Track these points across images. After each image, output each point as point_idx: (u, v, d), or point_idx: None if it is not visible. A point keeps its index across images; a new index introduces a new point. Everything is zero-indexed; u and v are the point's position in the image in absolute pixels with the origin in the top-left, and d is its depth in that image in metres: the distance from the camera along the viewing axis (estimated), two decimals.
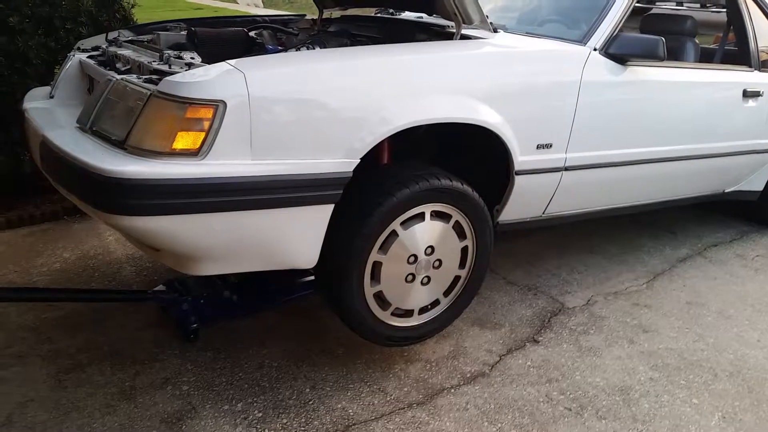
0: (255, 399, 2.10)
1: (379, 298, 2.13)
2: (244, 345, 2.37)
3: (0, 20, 3.10)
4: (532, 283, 2.93)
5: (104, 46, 2.47)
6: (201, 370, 2.23)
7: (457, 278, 2.30)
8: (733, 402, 2.17)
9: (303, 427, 1.98)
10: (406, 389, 2.17)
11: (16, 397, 2.05)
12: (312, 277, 2.39)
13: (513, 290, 2.86)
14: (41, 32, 3.20)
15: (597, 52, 2.45)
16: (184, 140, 1.69)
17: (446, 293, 2.30)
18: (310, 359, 2.30)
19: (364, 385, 2.18)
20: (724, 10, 3.90)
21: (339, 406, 2.08)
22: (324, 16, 3.14)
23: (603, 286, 2.93)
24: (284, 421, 2.00)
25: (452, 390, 2.17)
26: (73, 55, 2.49)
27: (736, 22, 3.28)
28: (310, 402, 2.09)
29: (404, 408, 2.08)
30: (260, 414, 2.03)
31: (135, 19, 3.56)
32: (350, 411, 2.05)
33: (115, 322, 2.48)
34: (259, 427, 1.97)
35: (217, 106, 1.68)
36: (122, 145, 1.73)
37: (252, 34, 2.69)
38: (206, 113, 1.68)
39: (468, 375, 2.25)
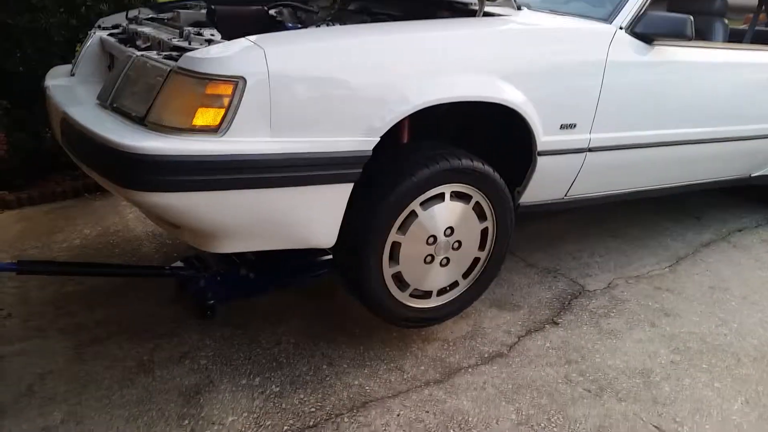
0: (272, 374, 2.10)
1: (398, 279, 2.11)
2: (263, 322, 2.37)
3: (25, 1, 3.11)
4: (552, 266, 2.89)
5: (124, 24, 2.47)
6: (219, 345, 2.24)
7: (476, 260, 2.27)
8: (756, 387, 2.13)
9: (320, 402, 1.97)
10: (423, 368, 2.16)
11: (36, 369, 2.07)
12: (329, 256, 2.38)
13: (532, 272, 2.83)
14: (63, 10, 3.21)
15: (623, 30, 2.39)
16: (203, 116, 1.68)
17: (465, 275, 2.27)
18: (328, 337, 2.30)
19: (381, 363, 2.17)
20: None
21: (356, 382, 2.07)
22: None
23: (624, 270, 2.89)
24: (301, 396, 2.00)
25: (470, 369, 2.16)
26: (94, 33, 2.50)
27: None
28: (327, 378, 2.09)
29: (421, 386, 2.07)
30: (277, 389, 2.03)
31: None
32: (367, 388, 2.05)
33: (134, 298, 2.49)
34: (276, 401, 1.97)
35: (237, 82, 1.66)
36: (142, 121, 1.73)
37: (272, 12, 2.67)
38: (226, 89, 1.67)
39: (486, 355, 2.24)
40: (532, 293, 2.65)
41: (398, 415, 1.93)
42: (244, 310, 2.42)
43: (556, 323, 2.44)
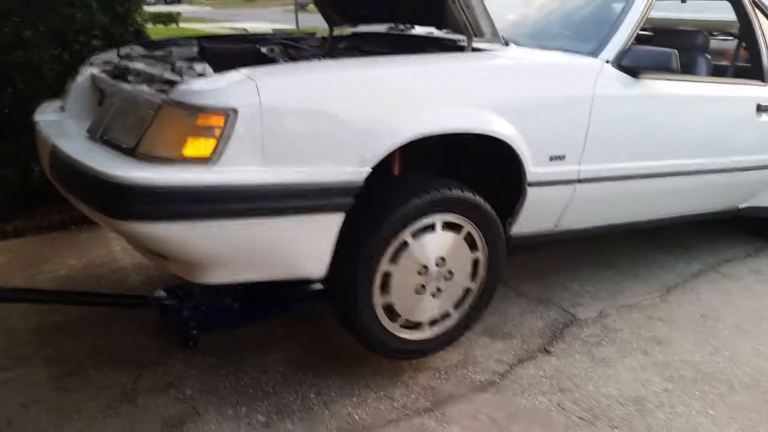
0: (259, 404, 2.05)
1: (389, 309, 2.09)
2: (249, 351, 2.33)
3: (14, 33, 3.13)
4: (543, 295, 2.88)
5: (116, 61, 2.48)
6: (205, 374, 2.19)
7: (468, 291, 2.25)
8: (750, 414, 2.10)
9: (307, 431, 1.93)
10: (413, 396, 2.12)
11: (18, 399, 2.03)
12: (318, 287, 2.35)
13: (523, 301, 2.81)
14: (55, 45, 3.23)
15: (609, 64, 2.44)
16: (194, 147, 1.68)
17: (456, 306, 2.25)
18: (316, 366, 2.26)
19: (371, 392, 2.13)
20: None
21: (344, 411, 2.03)
22: (334, 34, 3.15)
23: (615, 299, 2.88)
24: (288, 426, 1.95)
25: (462, 398, 2.12)
26: (85, 69, 2.51)
27: (748, 36, 3.27)
28: (315, 407, 2.04)
29: (411, 415, 2.02)
30: (264, 419, 1.98)
31: (148, 34, 3.60)
32: (356, 416, 2.00)
33: (119, 328, 2.45)
34: (262, 431, 1.92)
35: (229, 113, 1.67)
36: (133, 152, 1.73)
37: (263, 50, 2.70)
38: (217, 121, 1.68)
39: (478, 384, 2.20)
40: (523, 322, 2.63)
41: None
42: (230, 338, 2.38)
43: (549, 352, 2.41)
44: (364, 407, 2.05)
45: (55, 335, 2.39)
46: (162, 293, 2.36)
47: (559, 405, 2.10)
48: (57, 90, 3.23)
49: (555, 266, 3.19)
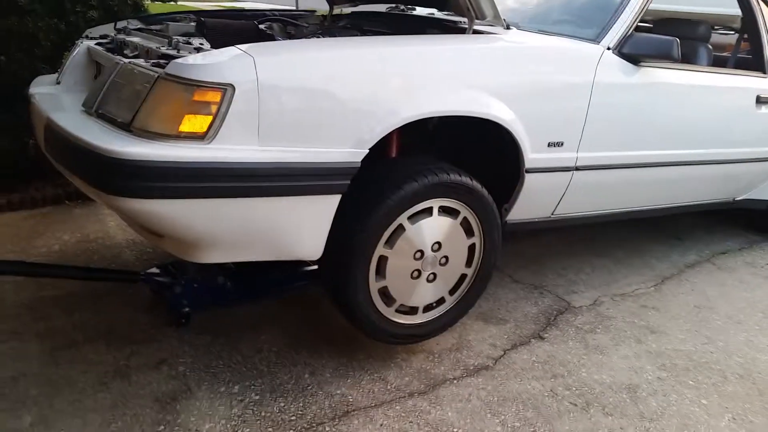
0: (252, 382, 2.05)
1: (384, 294, 2.08)
2: (243, 330, 2.32)
3: (12, 3, 3.09)
4: (537, 282, 2.88)
5: (113, 34, 2.45)
6: (198, 352, 2.18)
7: (463, 276, 2.24)
8: (743, 404, 2.11)
9: (300, 411, 1.92)
10: (407, 379, 2.12)
11: (8, 372, 2.01)
12: (312, 267, 2.34)
13: (518, 288, 2.81)
14: (51, 14, 3.18)
15: (610, 51, 2.41)
16: (190, 123, 1.65)
17: (452, 291, 2.24)
18: (310, 346, 2.25)
19: (365, 373, 2.13)
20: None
21: (338, 392, 2.02)
22: (334, 13, 3.11)
23: (610, 288, 2.88)
24: (281, 404, 1.95)
25: (455, 381, 2.12)
26: (81, 42, 2.47)
27: (750, 27, 3.25)
28: (309, 387, 2.04)
29: (405, 396, 2.02)
30: (257, 397, 1.98)
31: (146, 6, 3.55)
32: (349, 397, 2.00)
33: (113, 303, 2.43)
34: (255, 409, 1.92)
35: (225, 89, 1.64)
36: (128, 127, 1.70)
37: (262, 26, 2.67)
38: (214, 96, 1.65)
39: (471, 367, 2.20)
40: (517, 308, 2.63)
41: (381, 425, 1.88)
42: (224, 317, 2.37)
43: (542, 338, 2.42)
44: (358, 388, 2.05)
45: (48, 309, 2.37)
46: (155, 270, 2.35)
47: (551, 390, 2.10)
48: (53, 60, 3.20)
49: (550, 253, 3.19)
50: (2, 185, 3.33)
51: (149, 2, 3.80)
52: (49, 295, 2.46)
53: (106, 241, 3.01)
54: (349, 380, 2.09)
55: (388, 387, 2.07)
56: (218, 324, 2.34)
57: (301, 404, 1.96)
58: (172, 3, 4.58)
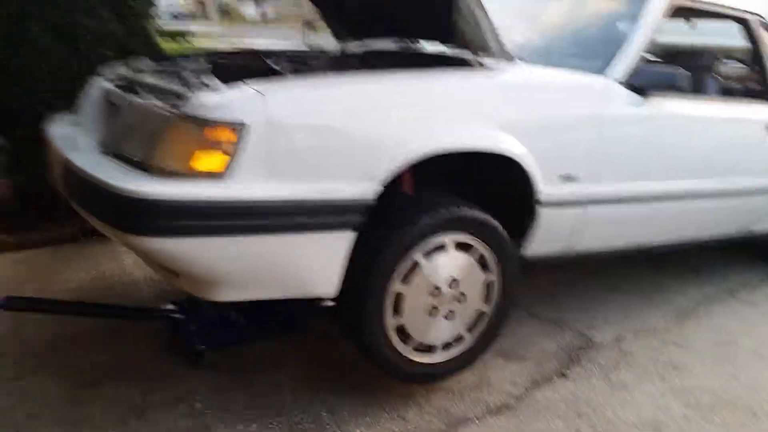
0: (270, 420, 2.02)
1: (401, 332, 2.05)
2: (261, 366, 2.30)
3: (27, 39, 3.15)
4: (556, 317, 2.84)
5: (127, 74, 2.49)
6: (215, 390, 2.16)
7: (481, 314, 2.21)
8: None
9: None
10: (427, 417, 2.08)
11: (26, 409, 2.00)
12: (329, 303, 2.32)
13: (536, 323, 2.78)
14: (67, 52, 3.25)
15: (617, 83, 2.43)
16: (205, 161, 1.67)
17: (470, 329, 2.21)
18: (328, 383, 2.22)
19: (383, 412, 2.09)
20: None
21: (357, 431, 1.99)
22: (342, 50, 3.16)
23: (629, 323, 2.84)
24: None
25: (476, 420, 2.08)
26: (96, 82, 2.52)
27: (757, 57, 3.26)
28: (327, 426, 2.01)
29: None
30: None
31: (160, 44, 3.62)
32: None
33: (130, 341, 2.42)
34: None
35: (238, 127, 1.66)
36: (144, 166, 1.72)
37: (273, 65, 2.71)
38: (227, 134, 1.67)
39: (493, 406, 2.16)
40: (537, 344, 2.59)
41: None
42: (242, 353, 2.35)
43: (565, 375, 2.37)
44: (377, 427, 2.01)
45: (67, 346, 2.37)
46: (170, 306, 2.34)
47: (577, 430, 2.06)
48: (69, 98, 3.25)
49: (566, 288, 3.16)
50: (20, 223, 3.35)
51: (164, 42, 3.87)
52: (68, 332, 2.45)
53: (123, 278, 3.01)
54: (367, 418, 2.05)
55: (408, 427, 2.03)
56: (235, 361, 2.32)
57: None
58: (185, 43, 4.67)
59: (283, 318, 2.35)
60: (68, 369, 2.23)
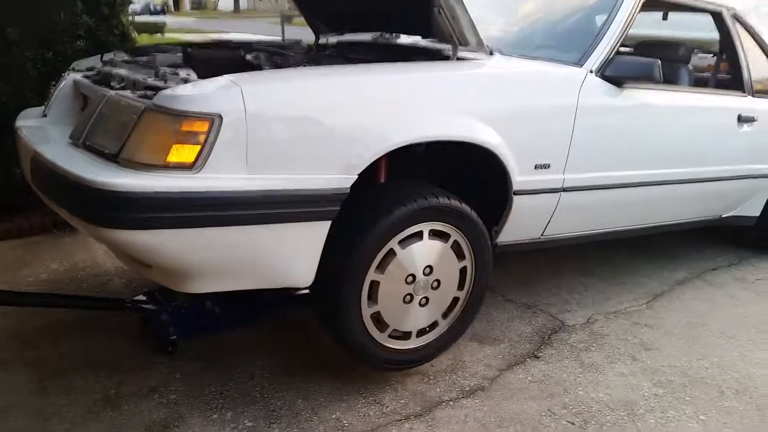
0: (246, 409, 2.01)
1: (377, 319, 2.06)
2: (235, 355, 2.29)
3: None
4: (530, 301, 2.87)
5: (99, 66, 2.45)
6: (190, 379, 2.15)
7: (455, 300, 2.23)
8: (742, 419, 2.10)
9: None
10: (403, 401, 2.09)
11: None
12: (303, 291, 2.32)
13: (511, 307, 2.80)
14: (39, 45, 3.19)
15: (593, 74, 2.44)
16: (178, 153, 1.64)
17: (445, 315, 2.23)
18: (303, 371, 2.22)
19: (360, 397, 2.10)
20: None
21: (333, 416, 1.99)
22: (320, 42, 3.14)
23: (602, 306, 2.88)
24: (275, 431, 1.92)
25: (451, 403, 2.09)
26: (67, 75, 2.47)
27: (729, 48, 3.31)
28: (303, 412, 2.01)
29: (401, 420, 2.00)
30: (251, 423, 1.94)
31: (134, 37, 3.56)
32: (344, 422, 1.97)
33: (101, 331, 2.40)
34: None
35: (213, 119, 1.64)
36: (115, 158, 1.69)
37: (248, 56, 2.68)
38: (202, 126, 1.64)
39: (467, 388, 2.18)
40: (512, 328, 2.62)
41: None
42: (216, 343, 2.34)
43: (537, 357, 2.40)
44: (353, 412, 2.02)
45: (36, 338, 2.33)
46: (141, 297, 2.32)
47: (549, 410, 2.08)
48: (40, 91, 3.20)
49: (541, 273, 3.20)
50: None
51: (137, 35, 3.81)
52: (37, 324, 2.42)
53: (95, 269, 2.97)
54: (343, 404, 2.06)
55: (384, 410, 2.04)
56: (209, 350, 2.31)
57: (295, 430, 1.92)
58: (159, 36, 4.60)
59: (257, 307, 2.35)
60: (37, 360, 2.20)
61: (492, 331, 2.58)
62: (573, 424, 2.02)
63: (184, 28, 21.72)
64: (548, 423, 2.01)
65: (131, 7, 3.76)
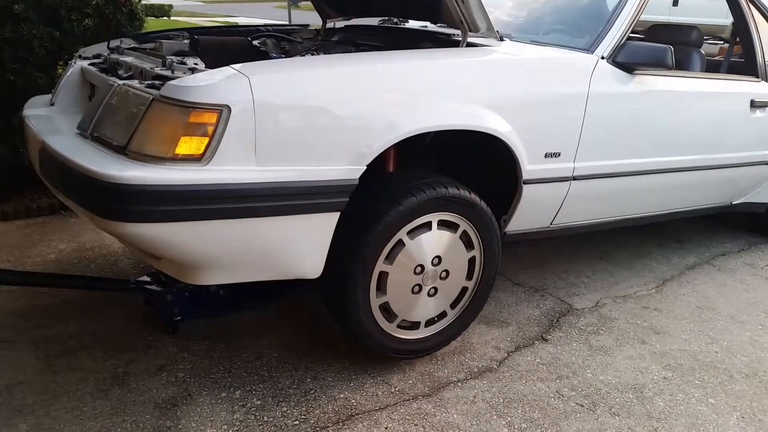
0: (254, 387, 2.01)
1: (385, 309, 2.05)
2: (243, 335, 2.29)
3: (4, 7, 3.07)
4: (539, 285, 2.86)
5: (106, 54, 2.42)
6: (198, 358, 2.15)
7: (464, 290, 2.22)
8: (751, 403, 2.09)
9: (303, 415, 1.89)
10: (411, 382, 2.09)
11: (3, 380, 1.97)
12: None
13: (519, 291, 2.79)
14: (46, 21, 3.17)
15: (605, 60, 2.40)
16: (187, 145, 1.63)
17: (453, 305, 2.22)
18: (312, 351, 2.22)
19: (368, 377, 2.10)
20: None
21: (341, 396, 1.99)
22: (327, 26, 3.11)
23: (611, 290, 2.86)
24: (284, 409, 1.91)
25: (459, 384, 2.09)
26: (74, 63, 2.45)
27: (742, 32, 3.26)
28: (311, 391, 2.01)
29: (409, 399, 1.99)
30: (259, 402, 1.94)
31: (141, 13, 3.53)
32: (353, 401, 1.97)
33: (109, 311, 2.40)
34: (257, 414, 1.88)
35: (221, 110, 1.62)
36: (123, 150, 1.67)
37: (255, 42, 2.65)
38: (210, 118, 1.62)
39: (475, 370, 2.17)
40: (520, 311, 2.61)
41: (386, 429, 1.85)
42: (224, 322, 2.35)
43: (546, 339, 2.39)
44: (361, 392, 2.02)
45: (43, 317, 2.33)
46: (146, 278, 2.31)
47: (557, 391, 2.07)
48: (47, 68, 3.18)
49: (550, 256, 3.18)
50: None
51: (144, 17, 3.77)
52: (44, 303, 2.42)
53: (102, 249, 2.97)
54: (352, 384, 2.06)
55: (392, 390, 2.04)
56: (218, 330, 2.31)
57: (304, 409, 1.92)
58: (166, 19, 4.56)
59: (262, 288, 2.33)
60: (45, 339, 2.20)
61: (500, 314, 2.57)
62: (582, 405, 2.01)
63: (190, 11, 21.65)
64: (557, 404, 2.01)
65: None
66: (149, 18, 4.57)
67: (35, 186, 3.38)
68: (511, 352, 2.30)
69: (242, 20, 18.72)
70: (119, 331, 2.28)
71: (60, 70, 3.41)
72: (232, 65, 1.73)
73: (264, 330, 2.34)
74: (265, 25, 3.11)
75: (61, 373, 2.02)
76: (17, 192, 3.38)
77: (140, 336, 2.26)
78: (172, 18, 16.58)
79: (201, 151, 1.62)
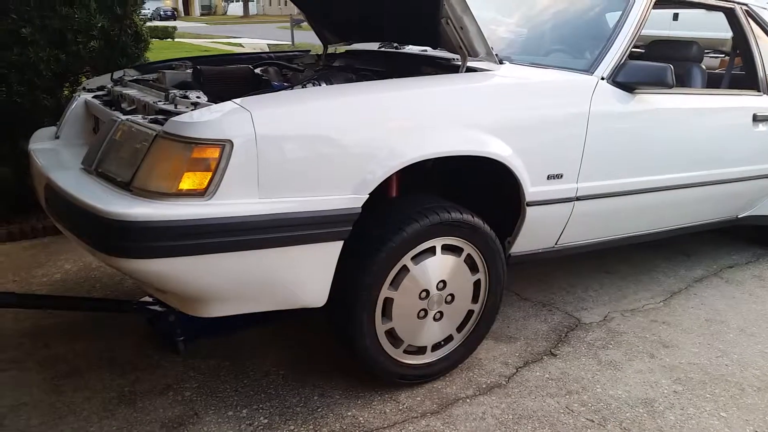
0: (260, 405, 2.00)
1: (391, 335, 2.04)
2: (249, 354, 2.28)
3: (12, 31, 3.10)
4: (546, 300, 2.84)
5: (109, 86, 2.44)
6: (204, 377, 2.14)
7: (470, 313, 2.20)
8: (764, 416, 2.06)
9: None
10: (419, 398, 2.07)
11: (9, 401, 1.96)
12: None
13: (527, 306, 2.78)
14: (52, 44, 3.20)
15: (604, 81, 2.39)
16: (190, 181, 1.64)
17: (459, 328, 2.20)
18: (318, 368, 2.21)
19: (375, 394, 2.08)
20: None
21: (349, 413, 1.97)
22: (328, 52, 3.13)
23: (619, 304, 2.85)
24: (291, 427, 1.90)
25: (468, 400, 2.07)
26: (78, 95, 2.46)
27: (743, 46, 3.27)
28: (319, 409, 1.99)
29: (418, 417, 1.97)
30: (266, 420, 1.93)
31: (146, 35, 3.57)
32: (361, 419, 1.95)
33: (115, 330, 2.39)
34: None
35: (224, 145, 1.63)
36: (128, 186, 1.68)
37: (257, 71, 2.67)
38: (213, 153, 1.63)
39: (484, 386, 2.15)
40: (527, 326, 2.59)
41: None
42: (229, 342, 2.33)
43: (554, 355, 2.37)
44: (369, 409, 2.00)
45: (48, 337, 2.33)
46: (148, 299, 2.30)
47: (567, 407, 2.05)
48: (53, 91, 3.21)
49: (557, 271, 3.17)
50: (2, 215, 3.30)
51: (149, 39, 3.81)
52: (50, 323, 2.42)
53: (108, 269, 2.96)
54: (359, 401, 2.04)
55: (400, 407, 2.02)
56: (224, 348, 2.30)
57: (311, 427, 1.91)
58: (170, 40, 4.61)
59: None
60: (50, 359, 2.20)
61: (508, 329, 2.55)
62: (592, 421, 1.99)
63: (194, 33, 21.86)
64: (567, 420, 1.99)
65: (142, 12, 3.77)
66: (154, 39, 4.60)
67: (41, 207, 3.39)
68: (520, 367, 2.28)
69: (245, 41, 18.90)
70: (125, 349, 2.27)
71: (66, 92, 3.45)
72: (234, 100, 1.74)
73: (270, 348, 2.32)
74: (266, 53, 3.13)
75: (68, 393, 2.01)
76: (23, 213, 3.39)
77: (146, 355, 2.25)
78: (176, 39, 16.76)
79: (204, 186, 1.63)
